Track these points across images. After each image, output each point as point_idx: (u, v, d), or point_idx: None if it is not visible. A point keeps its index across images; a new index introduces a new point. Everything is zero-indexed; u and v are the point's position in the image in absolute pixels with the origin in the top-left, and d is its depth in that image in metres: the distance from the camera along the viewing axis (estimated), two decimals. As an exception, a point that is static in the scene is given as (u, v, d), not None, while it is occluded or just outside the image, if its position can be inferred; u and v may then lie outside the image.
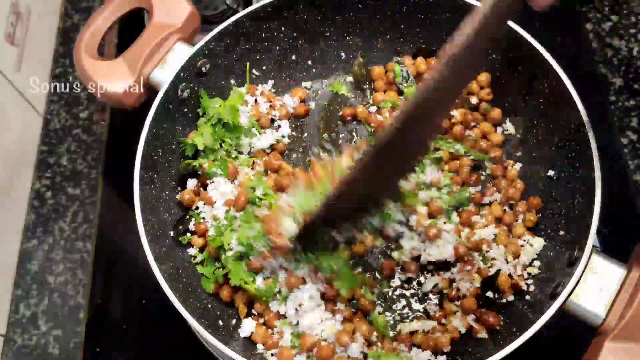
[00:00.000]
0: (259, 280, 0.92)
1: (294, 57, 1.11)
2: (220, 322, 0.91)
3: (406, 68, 1.08)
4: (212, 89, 1.05)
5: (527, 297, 0.89)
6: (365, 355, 0.89)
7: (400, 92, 1.09)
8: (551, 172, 0.96)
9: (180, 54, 0.99)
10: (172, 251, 0.94)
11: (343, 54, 1.13)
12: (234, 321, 0.93)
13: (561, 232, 0.91)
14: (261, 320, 0.92)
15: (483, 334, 0.88)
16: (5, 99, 1.13)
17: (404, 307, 0.94)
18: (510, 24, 0.96)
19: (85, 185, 1.19)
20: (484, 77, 1.05)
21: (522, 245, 0.94)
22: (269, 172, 1.03)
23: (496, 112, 1.04)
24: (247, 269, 0.92)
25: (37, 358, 1.05)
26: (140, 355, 1.05)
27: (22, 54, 1.19)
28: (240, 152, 1.04)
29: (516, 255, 0.93)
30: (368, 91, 1.11)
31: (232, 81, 1.08)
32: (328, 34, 1.10)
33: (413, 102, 0.65)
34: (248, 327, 0.91)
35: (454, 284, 0.93)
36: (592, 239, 0.80)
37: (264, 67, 1.10)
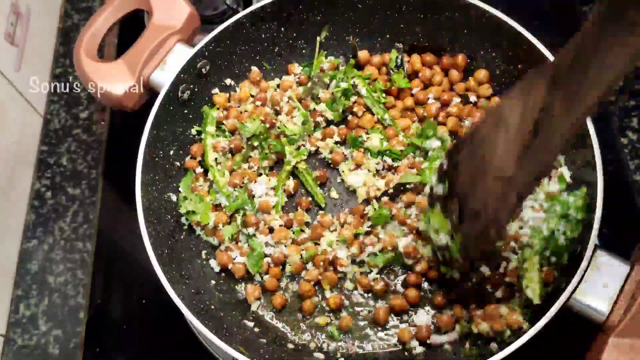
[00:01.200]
0: None
1: (294, 57, 1.11)
2: (224, 324, 0.91)
3: (402, 55, 1.08)
4: (212, 89, 1.05)
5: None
6: None
7: (389, 79, 1.08)
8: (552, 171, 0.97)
9: (180, 55, 0.99)
10: (174, 252, 0.94)
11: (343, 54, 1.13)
12: (236, 320, 0.93)
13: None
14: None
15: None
16: (5, 99, 1.13)
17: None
18: (511, 22, 0.96)
19: (85, 185, 1.19)
20: (482, 74, 1.05)
21: None
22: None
23: (494, 101, 1.05)
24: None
25: (37, 358, 1.05)
26: (140, 355, 1.05)
27: (22, 54, 1.19)
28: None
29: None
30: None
31: (232, 82, 1.08)
32: (328, 34, 1.10)
33: None
34: None
35: None
36: (594, 235, 0.81)
37: (264, 68, 1.10)
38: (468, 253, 0.80)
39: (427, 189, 0.93)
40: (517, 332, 0.82)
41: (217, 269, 0.97)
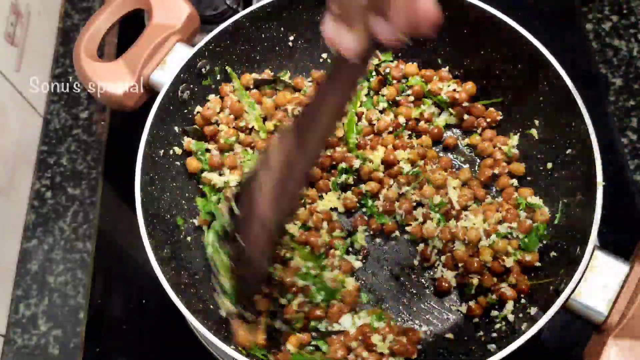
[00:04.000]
0: None
1: (294, 57, 1.11)
2: (224, 324, 0.91)
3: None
4: (212, 90, 1.05)
5: (530, 295, 0.90)
6: None
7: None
8: (552, 170, 0.97)
9: (180, 55, 0.99)
10: (174, 252, 0.94)
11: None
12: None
13: (563, 230, 0.91)
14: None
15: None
16: (5, 99, 1.13)
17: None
18: (511, 22, 0.97)
19: (85, 185, 1.19)
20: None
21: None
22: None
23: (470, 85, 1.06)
24: None
25: (37, 358, 1.05)
26: (140, 355, 1.05)
27: (22, 54, 1.19)
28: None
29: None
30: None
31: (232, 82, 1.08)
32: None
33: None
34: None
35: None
36: (594, 236, 0.81)
37: (264, 68, 1.10)
38: (240, 297, 0.86)
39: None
40: (516, 332, 0.82)
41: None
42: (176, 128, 1.01)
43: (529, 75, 0.98)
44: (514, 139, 1.03)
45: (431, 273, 0.97)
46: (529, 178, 1.01)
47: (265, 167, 0.74)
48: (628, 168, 1.15)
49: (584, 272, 0.79)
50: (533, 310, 0.85)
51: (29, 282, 1.11)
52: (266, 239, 0.77)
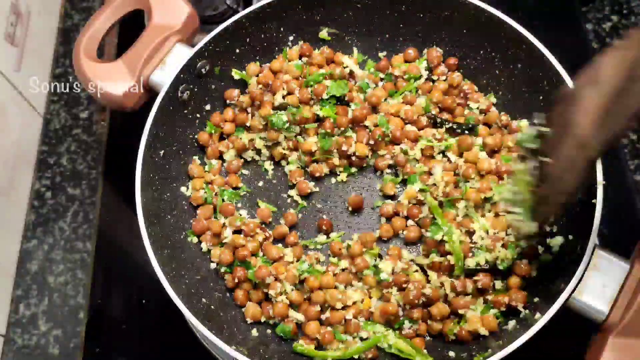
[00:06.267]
0: None
1: (294, 57, 1.11)
2: (224, 324, 0.91)
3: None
4: (212, 90, 1.05)
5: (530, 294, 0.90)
6: None
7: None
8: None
9: (179, 55, 0.99)
10: (174, 252, 0.94)
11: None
12: (237, 321, 0.93)
13: (563, 229, 0.91)
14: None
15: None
16: (5, 99, 1.13)
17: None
18: (511, 22, 0.97)
19: (85, 185, 1.19)
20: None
21: None
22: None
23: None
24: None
25: (37, 358, 1.05)
26: (140, 355, 1.05)
27: (22, 54, 1.19)
28: None
29: None
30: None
31: (232, 83, 1.08)
32: (327, 34, 1.10)
33: None
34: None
35: None
36: (594, 235, 0.81)
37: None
38: (535, 216, 0.76)
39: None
40: (516, 332, 0.82)
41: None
42: (176, 128, 1.01)
43: (529, 75, 0.98)
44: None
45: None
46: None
47: (590, 82, 0.64)
48: (628, 168, 1.15)
49: (585, 271, 0.79)
50: (533, 310, 0.85)
51: (29, 282, 1.11)
52: (583, 160, 0.66)
